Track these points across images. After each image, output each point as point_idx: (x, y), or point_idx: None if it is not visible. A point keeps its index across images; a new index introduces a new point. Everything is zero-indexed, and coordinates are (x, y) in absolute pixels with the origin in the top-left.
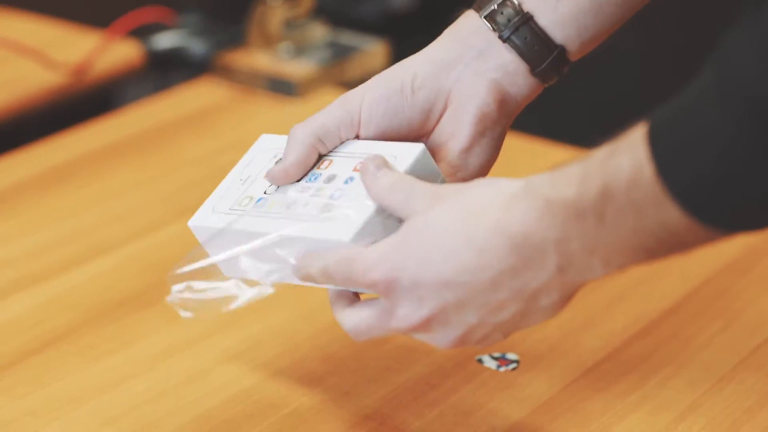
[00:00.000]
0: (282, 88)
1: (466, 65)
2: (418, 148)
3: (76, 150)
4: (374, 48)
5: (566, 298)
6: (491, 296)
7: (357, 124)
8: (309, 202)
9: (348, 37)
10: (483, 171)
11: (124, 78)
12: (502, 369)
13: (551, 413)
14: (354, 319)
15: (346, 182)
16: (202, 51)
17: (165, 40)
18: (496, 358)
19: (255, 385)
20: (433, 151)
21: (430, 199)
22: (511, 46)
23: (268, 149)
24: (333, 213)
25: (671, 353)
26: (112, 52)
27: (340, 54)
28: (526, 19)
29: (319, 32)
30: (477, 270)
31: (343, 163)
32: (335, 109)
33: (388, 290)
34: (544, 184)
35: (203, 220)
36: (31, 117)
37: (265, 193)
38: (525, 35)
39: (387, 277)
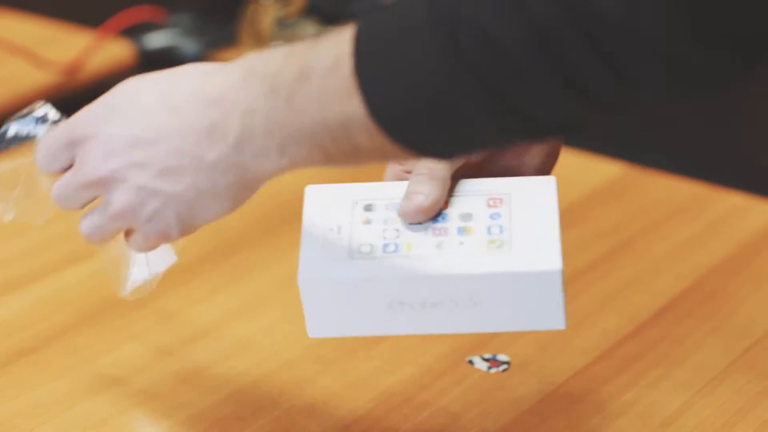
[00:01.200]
0: None
1: None
2: (551, 181)
3: None
4: None
5: (241, 187)
6: (172, 160)
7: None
8: (463, 241)
9: None
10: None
11: (116, 77)
12: (493, 370)
13: (542, 415)
14: (55, 184)
15: (492, 217)
16: (194, 50)
17: (157, 40)
18: (486, 360)
19: (246, 387)
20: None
21: None
22: None
23: (335, 198)
24: (511, 247)
25: (662, 354)
26: (104, 52)
27: None
28: None
29: (310, 31)
30: (166, 129)
31: (465, 201)
32: None
33: (84, 140)
34: (254, 57)
35: (320, 271)
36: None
37: (385, 238)
38: None
39: (85, 127)
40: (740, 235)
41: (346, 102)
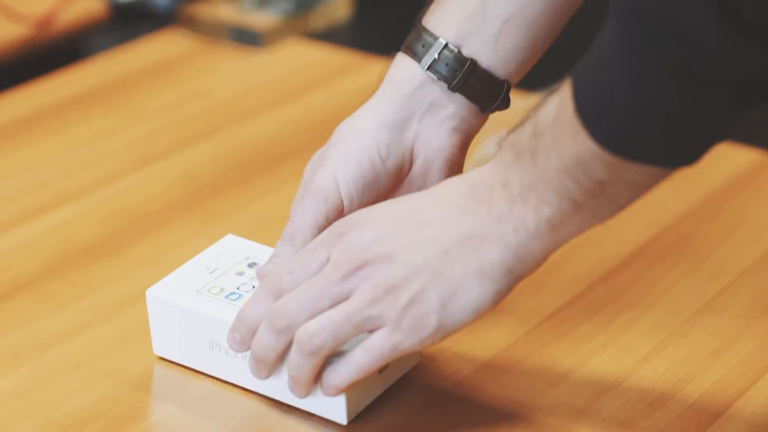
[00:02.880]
0: (246, 38)
1: (420, 120)
2: None
3: (41, 101)
4: None
5: (503, 268)
6: (442, 239)
7: (341, 210)
8: None
9: None
10: None
11: (89, 30)
12: None
13: (515, 356)
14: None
15: None
16: (167, 2)
17: None
18: None
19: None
20: None
21: None
22: (462, 94)
23: (239, 250)
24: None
25: (635, 297)
26: (77, 5)
27: (304, 4)
28: (472, 68)
29: None
30: (433, 213)
31: None
32: (315, 203)
33: (339, 226)
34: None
35: (166, 292)
36: None
37: (238, 288)
38: (474, 84)
39: (343, 224)
40: (714, 180)
41: (575, 141)
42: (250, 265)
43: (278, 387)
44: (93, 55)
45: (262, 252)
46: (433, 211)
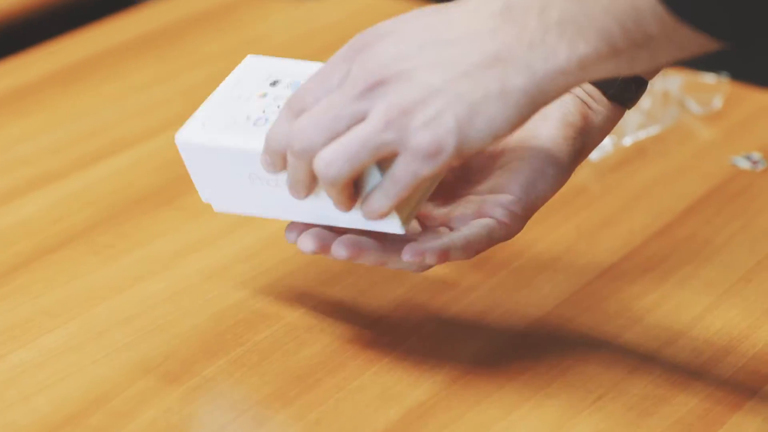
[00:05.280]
0: None
1: None
2: None
3: (95, 47)
4: None
5: (527, 97)
6: (466, 60)
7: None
8: None
9: None
10: (556, 186)
11: None
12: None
13: (568, 314)
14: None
15: None
16: None
17: None
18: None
19: (272, 283)
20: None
21: None
22: None
23: (260, 69)
24: None
25: (689, 253)
26: None
27: None
28: None
29: None
30: (460, 32)
31: None
32: None
33: (362, 38)
34: None
35: (194, 135)
36: (49, 14)
37: (263, 112)
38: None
39: (366, 37)
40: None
41: None
42: (273, 84)
43: (328, 212)
44: (146, 0)
45: (284, 67)
46: (461, 28)
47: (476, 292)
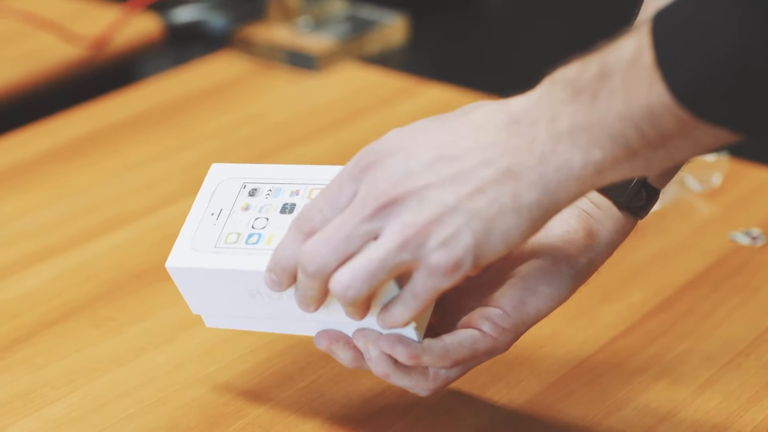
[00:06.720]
0: (301, 61)
1: None
2: None
3: (95, 123)
4: (394, 22)
5: (541, 209)
6: (478, 175)
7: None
8: None
9: (367, 11)
10: (551, 304)
11: (144, 52)
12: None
13: (568, 387)
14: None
15: None
16: (221, 25)
17: (184, 14)
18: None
19: (273, 357)
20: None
21: None
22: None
23: (230, 178)
24: None
25: (688, 328)
26: (132, 26)
27: (359, 28)
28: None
29: (338, 6)
30: (469, 144)
31: None
32: None
33: (367, 155)
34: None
35: (186, 260)
36: (50, 91)
37: (253, 228)
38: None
39: (372, 155)
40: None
41: (649, 91)
42: (251, 194)
43: (338, 319)
44: (147, 76)
45: (255, 174)
46: (468, 142)
47: (477, 366)
